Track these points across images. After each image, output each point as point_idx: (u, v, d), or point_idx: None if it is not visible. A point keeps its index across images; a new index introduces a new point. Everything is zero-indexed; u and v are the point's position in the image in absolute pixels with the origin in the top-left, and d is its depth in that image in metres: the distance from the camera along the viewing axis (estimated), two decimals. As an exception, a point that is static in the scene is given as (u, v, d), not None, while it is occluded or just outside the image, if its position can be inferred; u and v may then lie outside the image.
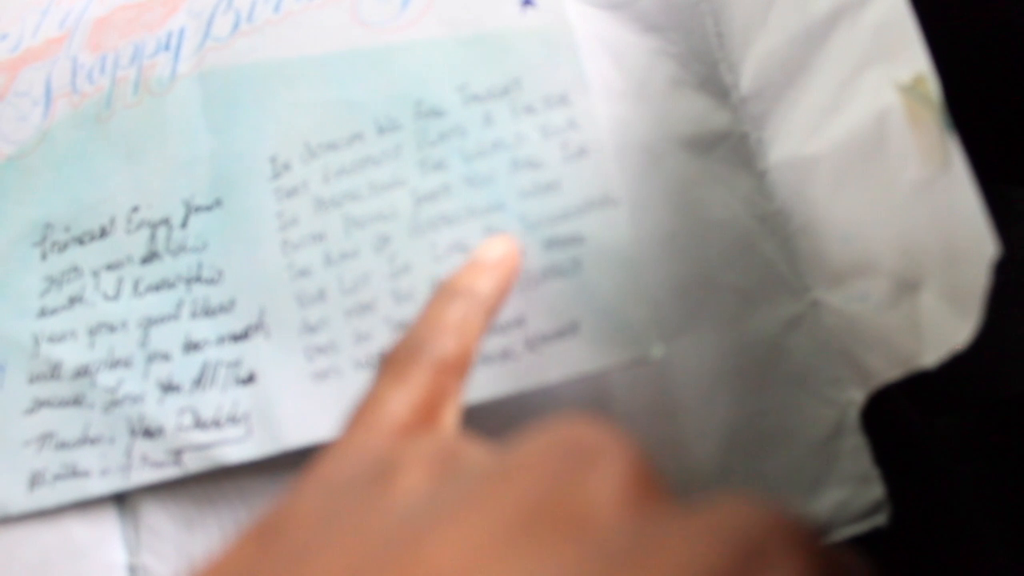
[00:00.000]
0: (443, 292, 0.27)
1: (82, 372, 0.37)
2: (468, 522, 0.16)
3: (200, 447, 0.35)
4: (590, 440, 0.17)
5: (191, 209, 0.37)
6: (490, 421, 0.33)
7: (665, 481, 0.18)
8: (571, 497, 0.16)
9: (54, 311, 0.39)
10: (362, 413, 0.23)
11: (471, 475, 0.18)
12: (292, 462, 0.35)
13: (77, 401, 0.37)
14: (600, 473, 0.16)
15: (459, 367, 0.25)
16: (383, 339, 0.33)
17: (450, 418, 0.25)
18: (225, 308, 0.36)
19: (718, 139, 0.34)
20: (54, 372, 0.38)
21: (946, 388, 0.38)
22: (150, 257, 0.38)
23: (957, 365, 0.28)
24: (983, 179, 0.27)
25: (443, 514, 0.16)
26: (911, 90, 0.28)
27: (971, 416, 0.40)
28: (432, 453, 0.19)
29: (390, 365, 0.25)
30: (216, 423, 0.35)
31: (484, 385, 0.32)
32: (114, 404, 0.37)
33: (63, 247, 0.39)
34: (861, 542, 0.32)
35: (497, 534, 0.15)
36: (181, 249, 0.37)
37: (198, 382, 0.36)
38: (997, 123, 0.38)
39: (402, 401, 0.23)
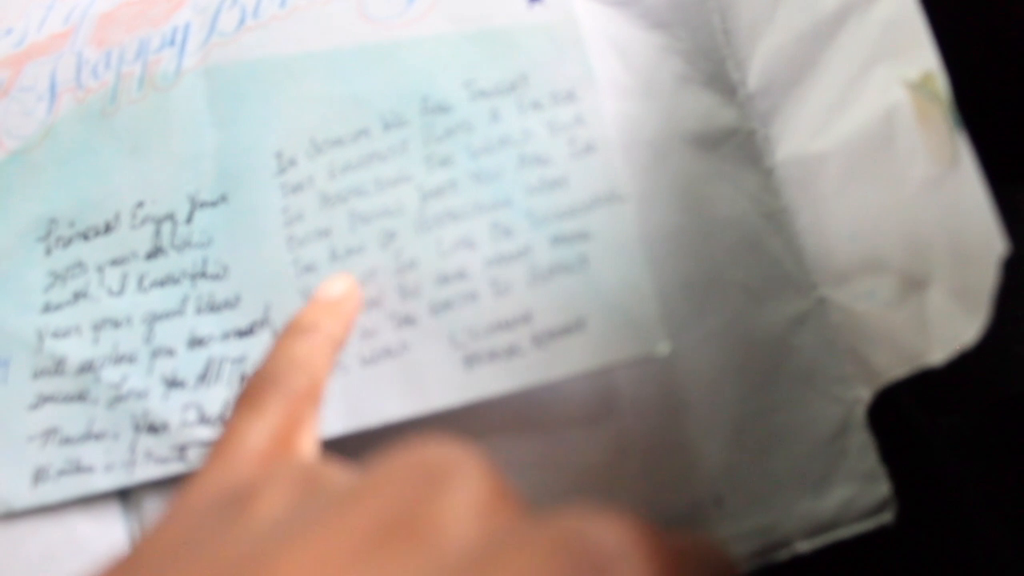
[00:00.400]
0: (290, 329, 0.29)
1: (86, 368, 0.37)
2: (320, 539, 0.16)
3: (205, 443, 0.35)
4: (444, 459, 0.18)
5: (196, 204, 0.37)
6: (497, 418, 0.33)
7: (520, 497, 0.19)
8: (423, 513, 0.17)
9: (58, 306, 0.39)
10: (222, 445, 0.24)
11: (328, 495, 0.18)
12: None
13: (81, 396, 0.37)
14: (452, 490, 0.17)
15: (311, 397, 0.27)
16: (389, 335, 0.33)
17: (308, 444, 0.26)
18: (230, 304, 0.36)
19: (725, 136, 0.34)
20: (58, 367, 0.38)
21: (953, 386, 0.38)
22: (155, 253, 0.38)
23: (964, 363, 0.28)
24: (992, 178, 0.27)
25: (296, 533, 0.17)
26: (920, 87, 0.28)
27: (978, 414, 0.40)
28: (290, 477, 0.20)
29: (246, 399, 0.26)
30: (221, 419, 0.35)
31: (491, 381, 0.32)
32: (118, 400, 0.37)
33: (67, 242, 0.39)
34: (867, 540, 0.32)
35: (348, 550, 0.16)
36: (186, 245, 0.37)
37: (203, 378, 0.36)
38: (1006, 121, 0.38)
39: (260, 430, 0.24)
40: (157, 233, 0.38)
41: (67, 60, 0.42)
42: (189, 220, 0.37)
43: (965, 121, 0.27)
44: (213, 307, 0.36)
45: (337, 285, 0.33)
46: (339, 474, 0.20)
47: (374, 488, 0.18)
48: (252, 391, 0.26)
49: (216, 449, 0.24)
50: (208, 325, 0.36)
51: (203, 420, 0.35)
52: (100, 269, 0.38)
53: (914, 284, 0.29)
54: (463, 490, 0.17)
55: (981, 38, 0.36)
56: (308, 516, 0.17)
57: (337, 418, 0.34)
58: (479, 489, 0.17)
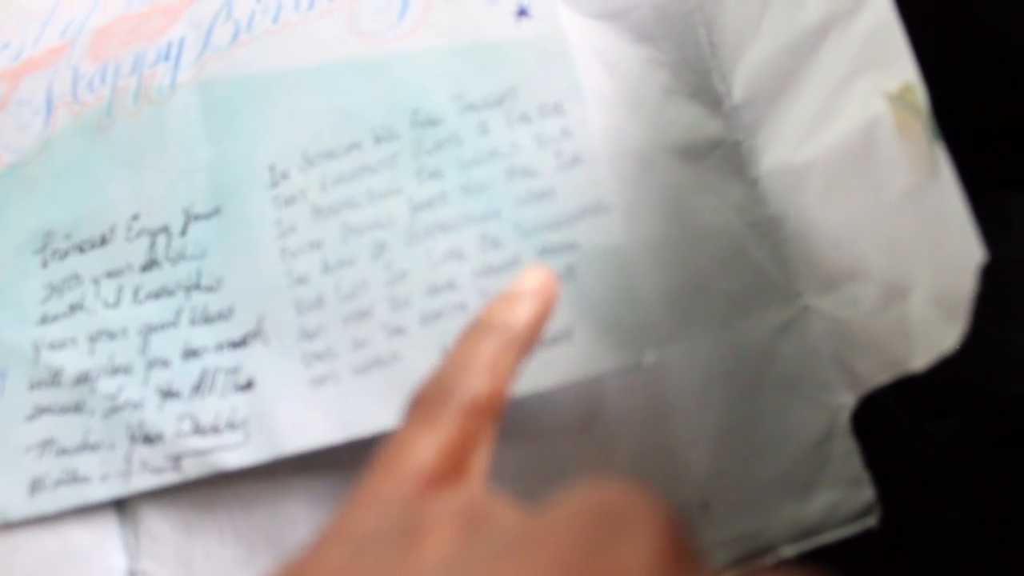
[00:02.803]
0: (476, 327, 0.26)
1: (82, 379, 0.38)
2: None
3: (199, 453, 0.36)
4: (621, 506, 0.17)
5: (190, 217, 0.38)
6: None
7: (695, 547, 0.17)
8: (600, 563, 0.16)
9: (55, 318, 0.39)
10: (389, 459, 0.22)
11: (499, 538, 0.17)
12: (290, 467, 0.35)
13: (77, 407, 0.38)
14: (630, 540, 0.16)
15: (491, 409, 0.24)
16: (380, 345, 0.34)
17: (480, 466, 0.24)
18: (224, 315, 0.36)
19: (710, 147, 0.35)
20: (55, 379, 0.38)
21: (937, 391, 0.38)
22: (150, 265, 0.38)
23: (948, 368, 0.28)
24: (978, 185, 0.27)
25: None
26: (899, 99, 0.29)
27: (961, 419, 0.40)
28: (460, 512, 0.19)
29: (418, 407, 0.24)
30: (215, 429, 0.36)
31: None
32: (114, 410, 0.37)
33: (64, 255, 0.40)
34: (852, 544, 0.32)
35: None
36: (180, 257, 0.38)
37: (197, 389, 0.36)
38: (991, 129, 0.39)
39: (430, 447, 0.22)
40: (152, 245, 0.38)
41: (63, 74, 0.42)
42: (184, 233, 0.38)
43: (951, 131, 0.27)
44: (207, 318, 0.37)
45: (532, 277, 0.28)
46: (511, 513, 0.19)
47: (547, 533, 0.17)
48: (425, 399, 0.24)
49: (382, 463, 0.22)
50: (202, 336, 0.37)
51: (198, 430, 0.36)
52: (96, 281, 0.39)
53: (896, 292, 0.30)
54: (641, 540, 0.16)
55: (960, 50, 0.37)
56: (480, 560, 0.16)
57: (329, 428, 0.34)
58: (657, 539, 0.16)
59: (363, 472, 0.23)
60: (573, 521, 0.17)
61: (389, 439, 0.23)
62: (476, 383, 0.24)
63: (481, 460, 0.24)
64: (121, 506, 0.38)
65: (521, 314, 0.26)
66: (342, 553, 0.19)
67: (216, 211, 0.37)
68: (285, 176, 0.36)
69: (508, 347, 0.25)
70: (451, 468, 0.22)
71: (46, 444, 0.38)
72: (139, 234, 0.39)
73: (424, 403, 0.24)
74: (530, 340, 0.26)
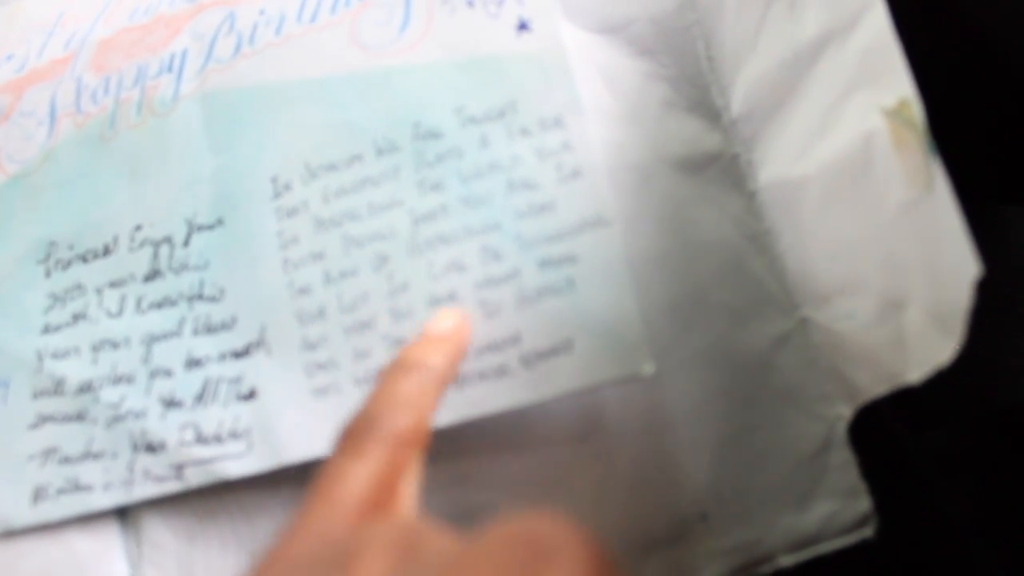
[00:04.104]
0: (396, 367, 0.28)
1: (85, 388, 0.38)
2: None
3: (201, 462, 0.36)
4: (550, 535, 0.18)
5: (193, 228, 0.38)
6: (486, 437, 0.34)
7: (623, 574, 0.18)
8: None
9: (58, 328, 0.39)
10: (322, 489, 0.24)
11: (431, 563, 0.18)
12: (292, 476, 0.35)
13: (80, 416, 0.38)
14: (558, 569, 0.17)
15: (416, 440, 0.26)
16: (382, 356, 0.34)
17: (409, 494, 0.25)
18: (226, 325, 0.37)
19: (709, 160, 0.35)
20: (58, 388, 0.39)
21: (933, 403, 0.39)
22: (153, 275, 0.38)
23: (945, 380, 0.28)
24: (974, 199, 0.27)
25: None
26: (896, 114, 0.29)
27: (958, 430, 0.41)
28: (392, 540, 0.20)
29: (348, 440, 0.25)
30: (217, 438, 0.36)
31: (480, 401, 0.32)
32: (117, 419, 0.37)
33: (67, 265, 0.40)
34: (849, 554, 0.32)
35: None
36: (183, 267, 0.38)
37: (200, 398, 0.36)
38: (987, 144, 0.39)
39: (360, 476, 0.24)
40: (155, 256, 0.38)
41: (67, 85, 0.43)
42: (186, 243, 0.38)
43: (941, 146, 0.27)
44: (210, 328, 0.37)
45: (446, 320, 0.31)
46: (440, 539, 0.20)
47: (479, 560, 0.17)
48: (354, 432, 0.25)
49: (316, 494, 0.23)
50: (205, 346, 0.37)
51: (200, 439, 0.36)
52: (99, 291, 0.39)
53: (892, 305, 0.30)
54: (568, 569, 0.17)
55: (956, 66, 0.37)
56: None
57: (330, 437, 0.34)
58: (584, 569, 0.17)
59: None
60: (504, 549, 0.17)
61: (321, 470, 0.24)
62: (401, 417, 0.26)
63: (410, 488, 0.25)
64: (124, 515, 0.38)
65: (438, 356, 0.29)
66: None
67: (219, 222, 0.38)
68: (287, 188, 0.37)
69: (427, 384, 0.28)
70: (382, 496, 0.24)
71: (49, 453, 0.38)
72: (142, 244, 0.39)
73: (353, 436, 0.25)
74: (447, 377, 0.29)
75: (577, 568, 0.17)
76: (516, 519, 0.18)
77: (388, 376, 0.28)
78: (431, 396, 0.28)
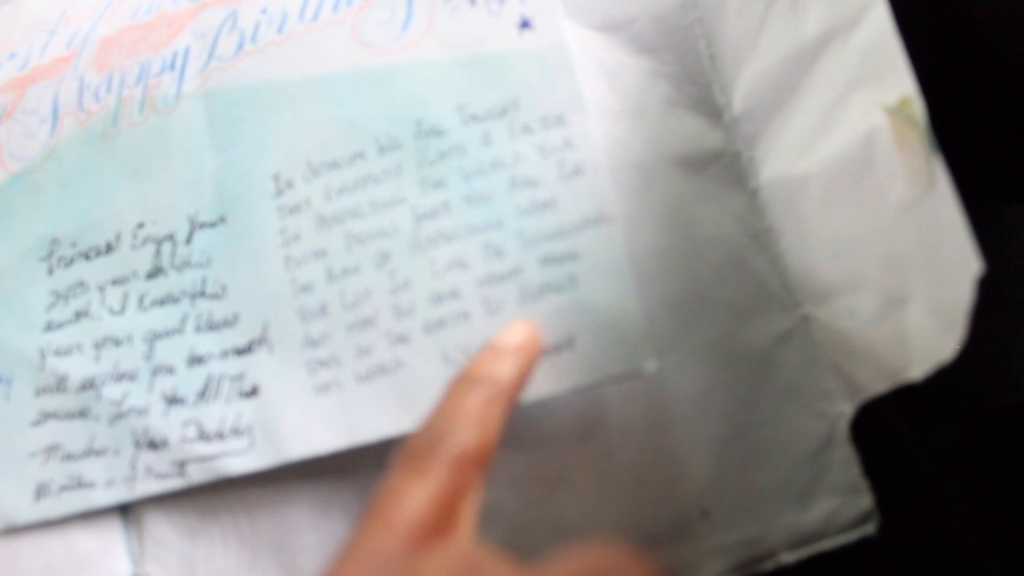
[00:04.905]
0: (463, 380, 0.27)
1: (88, 385, 0.38)
2: None
3: (204, 459, 0.36)
4: (616, 568, 0.17)
5: (195, 225, 0.38)
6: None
7: None
8: None
9: (60, 325, 0.39)
10: (380, 510, 0.23)
11: None
12: (294, 473, 0.35)
13: (83, 413, 0.38)
14: None
15: (480, 460, 0.25)
16: (384, 353, 0.34)
17: (469, 517, 0.24)
18: (229, 323, 0.37)
19: (711, 158, 0.35)
20: (60, 385, 0.39)
21: (935, 400, 0.39)
22: (155, 272, 0.38)
23: (946, 377, 0.28)
24: (976, 197, 0.27)
25: None
26: (897, 112, 0.29)
27: (960, 428, 0.41)
28: (453, 567, 0.19)
29: (408, 458, 0.24)
30: (220, 435, 0.36)
31: None
32: (119, 416, 0.37)
33: (69, 262, 0.40)
34: (851, 551, 0.32)
35: None
36: (186, 265, 0.38)
37: (202, 395, 0.36)
38: (989, 142, 0.39)
39: (420, 498, 0.23)
40: (157, 253, 0.38)
41: (69, 84, 0.43)
42: (189, 241, 0.38)
43: (943, 144, 0.27)
44: (212, 326, 0.37)
45: (517, 331, 0.30)
46: (500, 568, 0.19)
47: None
48: (416, 450, 0.24)
49: (374, 513, 0.23)
50: (207, 343, 0.37)
51: (202, 436, 0.36)
52: (101, 288, 0.39)
53: (894, 302, 0.30)
54: None
55: (957, 64, 0.37)
56: None
57: (333, 434, 0.34)
58: None
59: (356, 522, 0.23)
60: None
61: (380, 490, 0.23)
62: (465, 436, 0.24)
63: (471, 511, 0.24)
64: (126, 511, 0.38)
65: (507, 368, 0.27)
66: None
67: (221, 219, 0.38)
68: (290, 185, 0.37)
69: (495, 400, 0.26)
70: (441, 520, 0.23)
71: (51, 450, 0.38)
72: (144, 242, 0.39)
73: (414, 455, 0.24)
74: (516, 393, 0.27)
75: None
76: (580, 551, 0.18)
77: (453, 390, 0.26)
78: (498, 412, 0.26)
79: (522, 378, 0.28)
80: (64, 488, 0.38)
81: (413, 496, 0.23)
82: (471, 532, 0.24)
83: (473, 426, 0.25)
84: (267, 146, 0.38)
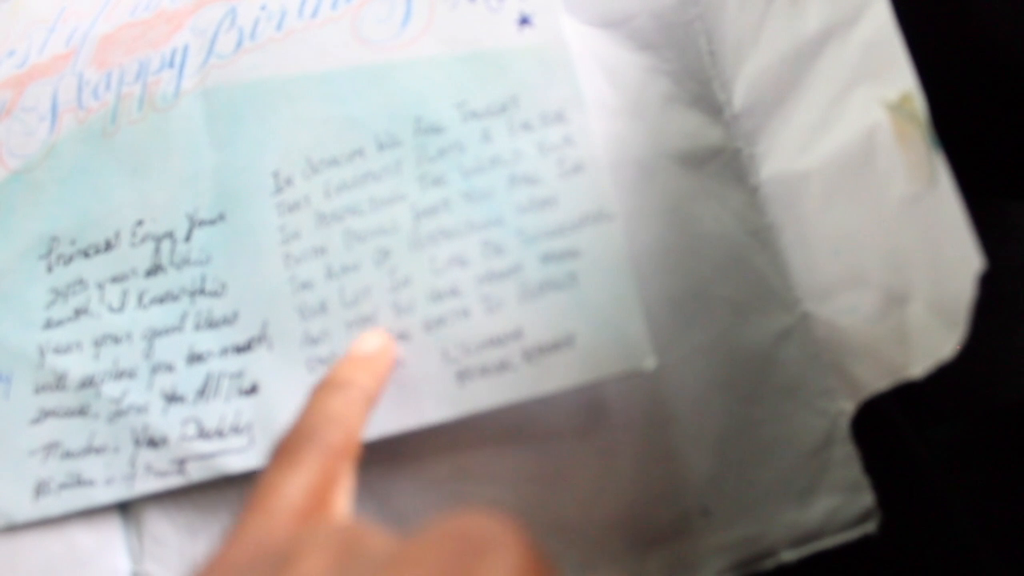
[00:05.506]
0: (325, 385, 0.29)
1: (87, 383, 0.38)
2: None
3: (203, 456, 0.36)
4: (483, 531, 0.19)
5: (195, 223, 0.38)
6: (489, 431, 0.34)
7: (554, 570, 0.19)
8: None
9: (60, 323, 0.39)
10: (259, 499, 0.24)
11: (370, 560, 0.19)
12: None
13: (82, 411, 0.38)
14: (492, 563, 0.18)
15: (347, 452, 0.27)
16: (383, 351, 0.34)
17: (343, 501, 0.26)
18: (228, 320, 0.37)
19: (711, 155, 0.35)
20: (60, 383, 0.39)
21: (936, 398, 0.39)
22: (154, 270, 0.38)
23: (947, 375, 0.28)
24: (977, 193, 0.27)
25: None
26: (898, 108, 0.29)
27: (961, 425, 0.41)
28: (330, 540, 0.20)
29: (282, 453, 0.26)
30: (219, 433, 0.36)
31: (483, 396, 0.32)
32: (119, 414, 0.37)
33: (69, 260, 0.40)
34: (852, 549, 0.32)
35: None
36: (185, 262, 0.38)
37: (201, 393, 0.36)
38: (989, 138, 0.39)
39: (296, 485, 0.25)
40: (157, 251, 0.38)
41: (68, 81, 0.43)
42: (188, 238, 0.38)
43: (944, 140, 0.27)
44: (211, 323, 0.37)
45: (371, 341, 0.33)
46: (377, 539, 0.20)
47: (416, 556, 0.18)
48: (288, 446, 0.26)
49: (253, 504, 0.24)
50: (207, 341, 0.37)
51: (202, 434, 0.36)
52: (101, 286, 0.39)
53: (895, 299, 0.30)
54: (500, 563, 0.18)
55: (958, 60, 0.37)
56: None
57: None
58: (516, 563, 0.18)
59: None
60: (440, 545, 0.18)
61: (257, 484, 0.25)
62: (332, 430, 0.27)
63: (344, 497, 0.26)
64: (125, 509, 0.38)
65: (364, 374, 0.31)
66: None
67: (220, 217, 0.38)
68: (289, 182, 0.37)
69: (355, 401, 0.29)
70: (316, 505, 0.25)
71: (51, 447, 0.38)
72: (144, 239, 0.39)
73: (287, 450, 0.26)
74: (374, 395, 0.31)
75: (510, 562, 0.18)
76: (451, 517, 0.19)
77: (318, 394, 0.29)
78: (360, 411, 0.29)
79: (379, 382, 0.31)
80: (63, 486, 0.38)
81: (289, 484, 0.24)
82: (345, 515, 0.26)
83: (339, 423, 0.27)
84: (266, 143, 0.38)
